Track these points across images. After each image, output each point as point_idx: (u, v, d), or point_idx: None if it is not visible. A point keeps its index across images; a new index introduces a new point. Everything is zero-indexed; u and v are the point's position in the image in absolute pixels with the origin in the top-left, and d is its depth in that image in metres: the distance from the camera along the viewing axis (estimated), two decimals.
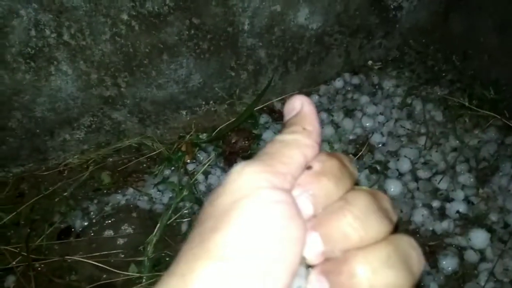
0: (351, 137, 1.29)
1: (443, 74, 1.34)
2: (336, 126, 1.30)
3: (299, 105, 0.32)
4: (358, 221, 0.25)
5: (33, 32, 1.05)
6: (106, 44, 1.11)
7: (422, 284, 0.98)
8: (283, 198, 0.25)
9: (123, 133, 1.28)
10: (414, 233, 1.07)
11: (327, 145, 1.25)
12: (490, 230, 1.04)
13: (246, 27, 1.20)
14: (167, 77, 1.21)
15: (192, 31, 1.15)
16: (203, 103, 1.30)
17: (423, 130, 1.24)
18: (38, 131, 1.20)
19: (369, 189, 0.28)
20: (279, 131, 1.28)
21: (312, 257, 0.25)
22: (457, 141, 1.19)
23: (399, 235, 0.27)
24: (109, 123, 1.25)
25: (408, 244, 0.27)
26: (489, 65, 1.25)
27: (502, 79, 1.22)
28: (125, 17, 1.09)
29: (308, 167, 0.28)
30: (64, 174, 1.27)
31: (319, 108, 1.34)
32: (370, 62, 1.42)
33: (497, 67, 1.23)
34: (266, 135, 1.29)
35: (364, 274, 0.24)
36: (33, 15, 1.03)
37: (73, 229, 1.15)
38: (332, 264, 0.25)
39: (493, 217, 1.07)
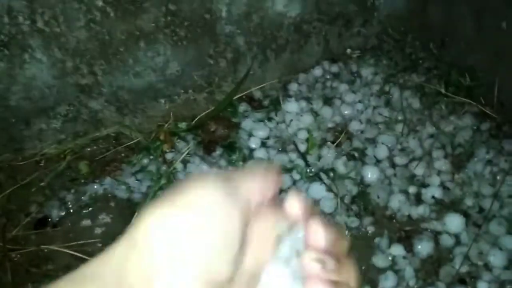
0: (330, 125, 1.29)
1: (421, 62, 1.35)
2: (316, 114, 1.30)
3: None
4: None
5: (6, 19, 1.03)
6: (81, 31, 1.10)
7: (399, 268, 1.00)
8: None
9: (100, 122, 1.27)
10: (390, 218, 1.08)
11: (306, 133, 1.25)
12: (465, 214, 1.06)
13: (223, 14, 1.19)
14: (144, 65, 1.20)
15: (169, 18, 1.14)
16: (182, 91, 1.29)
17: (400, 117, 1.25)
18: (13, 120, 1.18)
19: None
20: (259, 120, 1.26)
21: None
22: (434, 128, 1.20)
23: None
24: (86, 112, 1.23)
25: None
26: (466, 53, 1.27)
27: (478, 66, 1.23)
28: (99, 3, 1.08)
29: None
30: (41, 164, 1.25)
31: (299, 96, 1.34)
32: (349, 50, 1.43)
33: (473, 55, 1.24)
34: (245, 123, 1.28)
35: None
36: (6, 2, 1.01)
37: (49, 219, 1.14)
38: None
39: (468, 202, 1.08)
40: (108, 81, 1.19)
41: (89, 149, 1.27)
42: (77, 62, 1.14)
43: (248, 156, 1.23)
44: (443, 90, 1.23)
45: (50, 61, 1.12)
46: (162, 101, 1.29)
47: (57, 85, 1.16)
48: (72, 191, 1.19)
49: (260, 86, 1.37)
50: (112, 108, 1.25)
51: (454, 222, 1.03)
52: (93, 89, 1.19)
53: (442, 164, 1.14)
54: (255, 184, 0.30)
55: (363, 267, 1.02)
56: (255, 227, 0.30)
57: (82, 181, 1.21)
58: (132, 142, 1.27)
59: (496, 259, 0.98)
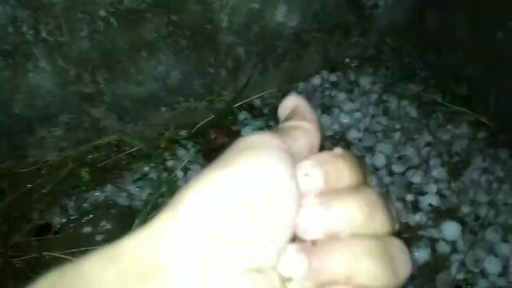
0: (328, 133, 1.31)
1: (418, 71, 1.37)
2: None
3: (293, 103, 0.33)
4: (367, 209, 0.26)
5: (10, 29, 1.05)
6: (84, 40, 1.12)
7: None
8: (289, 158, 0.26)
9: (102, 130, 1.28)
10: None
11: None
12: (461, 222, 1.07)
13: (224, 24, 1.21)
14: (146, 74, 1.21)
15: (171, 28, 1.16)
16: (183, 100, 1.31)
17: (398, 126, 1.27)
18: (16, 128, 1.19)
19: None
20: (259, 128, 1.28)
21: (314, 229, 0.25)
22: (431, 136, 1.22)
23: (391, 237, 0.28)
24: (88, 120, 1.25)
25: (397, 247, 0.27)
26: (463, 62, 1.29)
27: (475, 75, 1.25)
28: (103, 13, 1.09)
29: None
30: (43, 172, 1.27)
31: None
32: (347, 60, 1.45)
33: (470, 64, 1.26)
34: (246, 131, 1.30)
35: (345, 257, 0.24)
36: (10, 12, 1.03)
37: (51, 226, 1.15)
38: (314, 244, 0.25)
39: (465, 209, 1.10)
40: (111, 89, 1.21)
41: (90, 157, 1.29)
42: (80, 71, 1.16)
43: None
44: (440, 99, 1.25)
45: (54, 70, 1.13)
46: (163, 109, 1.30)
47: (60, 94, 1.17)
48: (74, 198, 1.20)
49: (260, 94, 1.39)
50: (114, 116, 1.27)
51: (450, 229, 1.05)
52: (95, 97, 1.21)
53: (439, 172, 1.16)
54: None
55: None
56: None
57: (84, 188, 1.23)
58: (133, 149, 1.29)
59: (492, 266, 1.00)
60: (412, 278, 1.00)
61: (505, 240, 1.03)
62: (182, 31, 1.18)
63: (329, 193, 0.26)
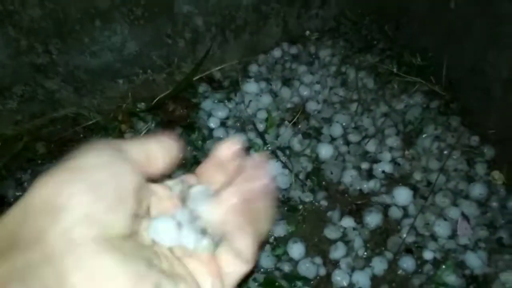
0: (288, 105, 1.31)
1: (375, 43, 1.38)
2: (275, 95, 1.32)
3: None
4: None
5: None
6: (35, 9, 1.09)
7: (349, 240, 1.03)
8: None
9: (58, 102, 1.26)
10: (343, 193, 1.12)
11: (265, 113, 1.27)
12: (414, 188, 1.10)
13: None
14: (101, 45, 1.19)
15: None
16: (141, 71, 1.29)
17: (355, 97, 1.28)
18: None
19: None
20: (219, 101, 1.27)
21: None
22: (387, 107, 1.24)
23: None
24: (42, 92, 1.22)
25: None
26: (418, 34, 1.30)
27: (430, 46, 1.27)
28: None
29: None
30: None
31: (258, 77, 1.36)
32: (307, 32, 1.45)
33: (426, 36, 1.28)
34: (205, 104, 1.30)
35: None
36: None
37: (5, 199, 1.13)
38: None
39: (417, 176, 1.13)
40: (64, 60, 1.18)
41: (46, 130, 1.26)
42: (32, 41, 1.13)
43: (207, 136, 1.24)
44: (395, 70, 1.27)
45: (4, 40, 1.10)
46: (121, 81, 1.29)
47: (12, 65, 1.14)
48: (29, 171, 1.18)
49: (220, 67, 1.38)
50: (69, 89, 1.24)
51: (402, 195, 1.07)
52: (48, 68, 1.18)
53: (393, 141, 1.18)
54: (146, 148, 0.32)
55: (315, 239, 1.05)
56: (154, 187, 0.33)
57: (39, 161, 1.21)
58: (90, 122, 1.27)
59: (441, 229, 1.03)
60: (364, 242, 1.03)
61: (454, 204, 1.07)
62: (136, 0, 1.16)
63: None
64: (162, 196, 0.33)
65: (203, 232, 0.31)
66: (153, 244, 0.31)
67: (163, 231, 0.30)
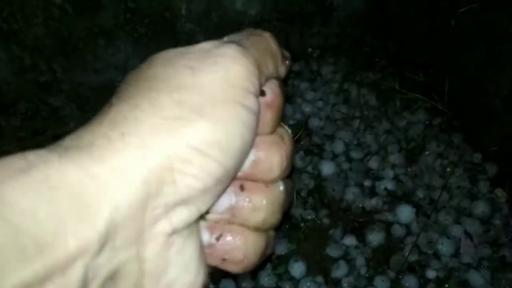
0: (291, 122, 1.32)
1: (377, 60, 1.39)
2: None
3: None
4: (287, 162, 0.28)
5: None
6: (39, 27, 1.10)
7: (351, 258, 1.03)
8: (256, 108, 0.25)
9: (61, 119, 1.27)
10: (345, 210, 1.11)
11: None
12: (416, 206, 1.09)
13: (183, 12, 1.21)
14: (105, 62, 1.21)
15: (128, 15, 1.15)
16: None
17: (357, 114, 1.28)
18: None
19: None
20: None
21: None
22: (389, 123, 1.24)
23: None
24: (46, 109, 1.24)
25: None
26: (420, 51, 1.31)
27: (431, 64, 1.28)
28: (58, 0, 1.08)
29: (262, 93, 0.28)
30: None
31: None
32: (310, 49, 1.46)
33: (427, 52, 1.29)
34: None
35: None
36: None
37: None
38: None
39: (420, 193, 1.12)
40: (68, 78, 1.20)
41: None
42: (36, 59, 1.14)
43: None
44: (397, 87, 1.27)
45: (8, 58, 1.12)
46: None
47: (16, 82, 1.16)
48: None
49: None
50: (73, 106, 1.26)
51: (405, 212, 1.07)
52: (52, 86, 1.20)
53: (396, 158, 1.18)
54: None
55: (317, 258, 1.05)
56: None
57: None
58: None
59: (444, 247, 1.02)
60: (366, 260, 1.02)
61: (457, 222, 1.06)
62: (140, 18, 1.17)
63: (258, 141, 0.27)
64: None
65: None
66: None
67: None
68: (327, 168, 1.16)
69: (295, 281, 1.00)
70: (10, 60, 1.12)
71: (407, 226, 1.07)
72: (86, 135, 0.22)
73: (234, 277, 0.98)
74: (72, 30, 1.13)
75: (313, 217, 1.10)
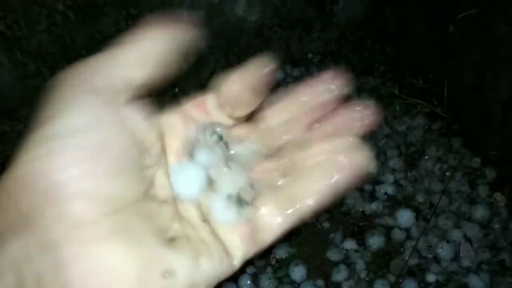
0: None
1: (376, 65, 1.40)
2: None
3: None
4: None
5: None
6: (43, 34, 1.12)
7: (351, 262, 1.03)
8: None
9: None
10: (345, 214, 1.12)
11: None
12: (416, 210, 1.10)
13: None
14: None
15: (130, 22, 1.17)
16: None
17: None
18: None
19: None
20: None
21: None
22: (388, 128, 1.25)
23: None
24: None
25: None
26: (419, 56, 1.32)
27: (431, 68, 1.29)
28: (60, 7, 1.10)
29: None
30: (4, 167, 1.26)
31: None
32: (310, 55, 1.47)
33: (426, 57, 1.30)
34: None
35: None
36: None
37: None
38: None
39: (420, 198, 1.13)
40: None
41: None
42: (39, 65, 1.16)
43: None
44: (397, 92, 1.28)
45: (12, 64, 1.13)
46: None
47: (19, 88, 1.17)
48: None
49: None
50: None
51: (404, 217, 1.07)
52: None
53: (395, 162, 1.19)
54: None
55: (318, 261, 1.05)
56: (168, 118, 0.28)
57: None
58: None
59: (444, 251, 1.02)
60: (366, 264, 1.02)
61: (457, 226, 1.06)
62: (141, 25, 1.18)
63: None
64: (181, 128, 0.28)
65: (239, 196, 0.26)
66: (172, 198, 0.26)
67: (185, 182, 0.25)
68: None
69: (295, 285, 1.01)
70: (13, 66, 1.13)
71: (407, 230, 1.08)
72: None
73: (235, 280, 0.99)
74: (74, 37, 1.14)
75: (314, 221, 1.11)
